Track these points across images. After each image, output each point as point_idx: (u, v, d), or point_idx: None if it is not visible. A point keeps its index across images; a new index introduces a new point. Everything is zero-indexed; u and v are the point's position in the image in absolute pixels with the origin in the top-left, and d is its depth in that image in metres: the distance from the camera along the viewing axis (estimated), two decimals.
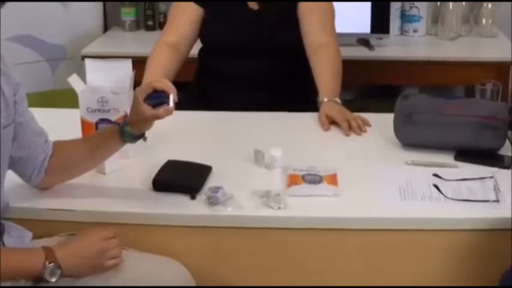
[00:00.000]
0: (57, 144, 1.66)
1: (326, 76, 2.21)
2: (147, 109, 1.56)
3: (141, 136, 1.64)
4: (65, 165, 1.67)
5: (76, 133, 1.83)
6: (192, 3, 2.34)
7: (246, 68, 2.32)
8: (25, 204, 1.64)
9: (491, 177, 1.70)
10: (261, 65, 2.33)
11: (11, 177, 1.60)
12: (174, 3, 2.40)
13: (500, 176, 1.71)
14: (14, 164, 1.59)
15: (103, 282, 1.50)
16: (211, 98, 2.36)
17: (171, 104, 1.56)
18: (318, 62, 2.24)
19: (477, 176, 1.71)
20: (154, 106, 1.56)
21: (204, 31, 2.36)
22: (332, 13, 2.37)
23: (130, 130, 1.61)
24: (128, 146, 1.84)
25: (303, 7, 2.32)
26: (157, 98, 1.57)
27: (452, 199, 1.63)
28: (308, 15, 2.31)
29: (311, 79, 2.24)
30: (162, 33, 2.40)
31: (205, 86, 2.43)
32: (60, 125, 1.83)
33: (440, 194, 1.64)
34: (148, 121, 1.61)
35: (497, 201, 1.61)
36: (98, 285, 1.50)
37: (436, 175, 1.72)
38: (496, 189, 1.65)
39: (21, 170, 1.62)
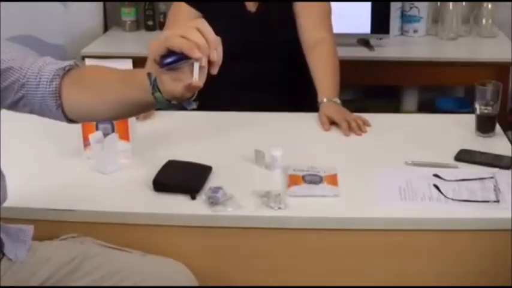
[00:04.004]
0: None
1: (324, 75, 2.21)
2: (167, 80, 1.18)
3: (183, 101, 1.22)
4: (86, 79, 1.39)
5: (76, 133, 1.84)
6: (187, 6, 2.33)
7: (245, 70, 2.31)
8: (25, 204, 1.63)
9: (492, 177, 1.70)
10: (260, 66, 2.32)
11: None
12: (174, 3, 2.40)
13: (501, 176, 1.71)
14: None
15: (105, 284, 1.51)
16: (211, 99, 2.35)
17: (196, 73, 1.14)
18: (314, 60, 2.24)
19: (477, 177, 1.71)
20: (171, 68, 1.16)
21: None
22: (327, 11, 2.37)
23: (161, 96, 1.22)
24: (128, 146, 1.85)
25: (298, 5, 2.32)
26: (174, 60, 1.15)
27: (452, 199, 1.62)
28: (304, 12, 2.31)
29: (311, 80, 2.24)
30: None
31: (205, 86, 2.42)
32: (60, 125, 1.83)
33: (441, 194, 1.64)
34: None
35: (498, 201, 1.61)
36: (99, 286, 1.50)
37: (436, 175, 1.72)
38: (496, 190, 1.65)
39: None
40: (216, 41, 1.15)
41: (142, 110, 1.36)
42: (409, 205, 1.62)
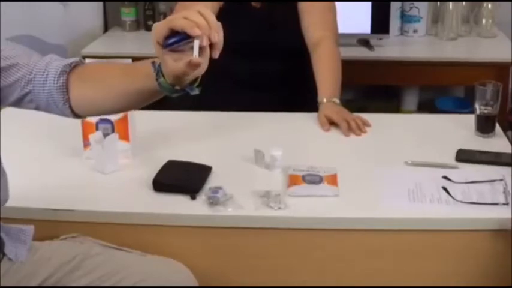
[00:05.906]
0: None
1: (324, 75, 2.21)
2: (169, 61, 1.22)
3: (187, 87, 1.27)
4: (91, 73, 1.42)
5: (76, 133, 1.84)
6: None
7: (246, 68, 2.31)
8: (25, 204, 1.63)
9: (501, 179, 1.68)
10: (262, 65, 2.32)
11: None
12: (179, 3, 2.35)
13: (510, 179, 1.68)
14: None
15: (105, 284, 1.51)
16: (212, 97, 2.35)
17: (196, 50, 1.17)
18: (316, 59, 2.24)
19: (486, 179, 1.69)
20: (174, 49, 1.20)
21: None
22: (331, 10, 2.37)
23: (165, 82, 1.27)
24: (128, 146, 1.85)
25: (302, 4, 2.32)
26: (177, 40, 1.20)
27: (461, 202, 1.60)
28: (307, 11, 2.31)
29: (314, 81, 2.24)
30: None
31: (206, 84, 2.41)
32: (60, 125, 1.83)
33: (449, 196, 1.62)
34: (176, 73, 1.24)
35: (507, 204, 1.59)
36: (101, 286, 1.50)
37: (445, 177, 1.70)
38: (506, 192, 1.63)
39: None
40: (216, 24, 1.19)
41: (147, 99, 1.38)
42: (409, 205, 1.61)
